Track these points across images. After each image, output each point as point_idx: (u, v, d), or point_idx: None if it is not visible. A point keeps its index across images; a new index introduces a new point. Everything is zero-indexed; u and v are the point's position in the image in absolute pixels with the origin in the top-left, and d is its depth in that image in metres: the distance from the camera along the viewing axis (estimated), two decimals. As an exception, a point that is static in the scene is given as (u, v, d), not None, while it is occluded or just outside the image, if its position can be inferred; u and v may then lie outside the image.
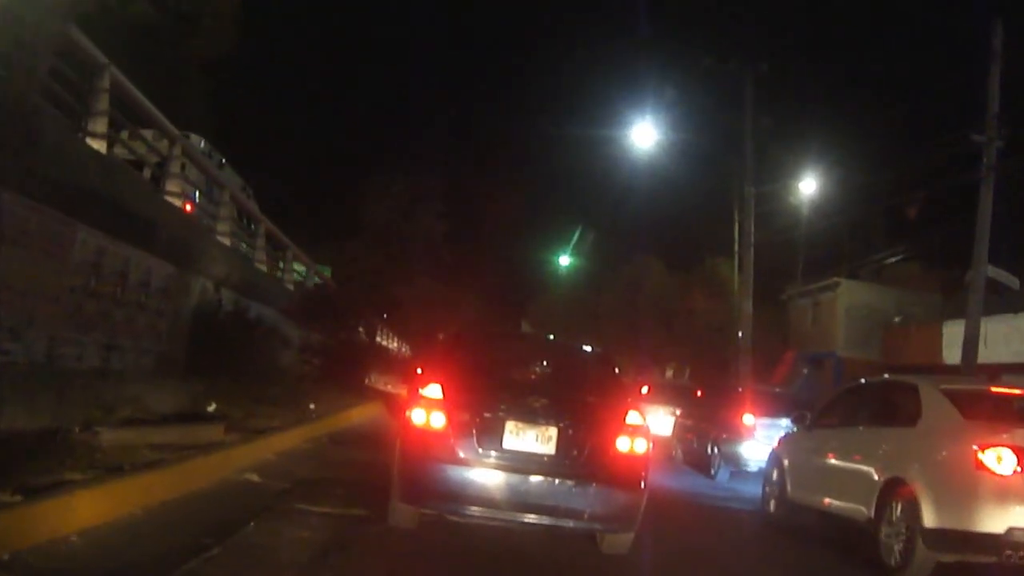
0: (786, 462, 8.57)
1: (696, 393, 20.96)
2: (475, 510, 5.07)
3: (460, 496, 5.05)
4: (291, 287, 15.39)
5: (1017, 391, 6.81)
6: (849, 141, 31.35)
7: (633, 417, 5.34)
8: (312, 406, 12.58)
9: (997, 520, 5.38)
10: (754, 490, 10.24)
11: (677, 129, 23.02)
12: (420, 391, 5.28)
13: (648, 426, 5.48)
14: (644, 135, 22.50)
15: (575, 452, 5.13)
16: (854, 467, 6.98)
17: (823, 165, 24.58)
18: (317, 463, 8.35)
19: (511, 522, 5.15)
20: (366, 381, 18.40)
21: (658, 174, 28.83)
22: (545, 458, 5.11)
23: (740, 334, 21.73)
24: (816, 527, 7.85)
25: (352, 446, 10.34)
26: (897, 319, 29.46)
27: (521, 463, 5.07)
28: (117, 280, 7.36)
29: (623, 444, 5.22)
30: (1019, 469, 5.42)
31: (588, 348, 7.15)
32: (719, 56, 22.17)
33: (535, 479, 5.05)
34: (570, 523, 5.12)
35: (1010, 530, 5.34)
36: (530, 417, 5.15)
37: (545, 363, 6.52)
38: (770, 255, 22.56)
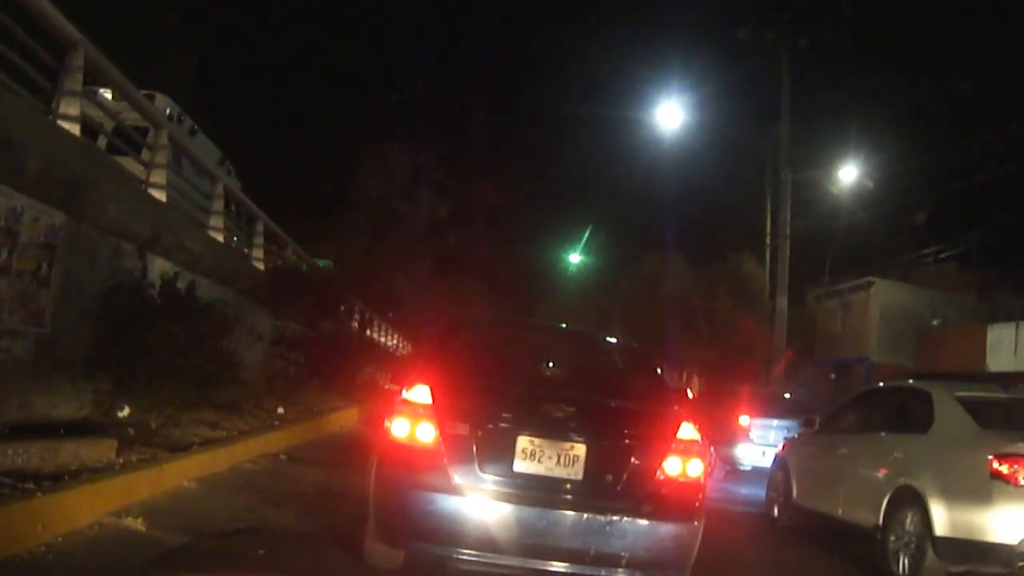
0: (792, 466, 8.42)
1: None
2: (474, 554, 3.96)
3: (455, 535, 3.94)
4: (261, 266, 13.06)
5: None
6: (890, 127, 29.12)
7: (686, 431, 4.27)
8: (281, 410, 10.52)
9: (1011, 530, 5.32)
10: (747, 491, 10.21)
11: (702, 113, 20.91)
12: (404, 394, 4.16)
13: (704, 443, 4.43)
14: (668, 116, 20.32)
15: (610, 477, 4.09)
16: (863, 473, 6.88)
17: (859, 154, 22.25)
18: (255, 494, 5.99)
19: (523, 570, 4.01)
20: (356, 380, 16.19)
21: (678, 164, 26.80)
22: (569, 485, 4.06)
23: (774, 334, 19.96)
24: (822, 534, 7.56)
25: (318, 465, 8.03)
26: (935, 322, 27.42)
27: (537, 492, 4.00)
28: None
29: (673, 466, 4.17)
30: None
31: (622, 342, 5.99)
32: (754, 29, 20.14)
33: (556, 513, 3.96)
34: (602, 572, 4.02)
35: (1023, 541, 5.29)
36: (549, 430, 4.08)
37: (567, 361, 5.40)
38: (792, 252, 20.35)
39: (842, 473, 7.33)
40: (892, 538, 6.09)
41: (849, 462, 7.30)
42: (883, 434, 7.05)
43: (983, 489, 5.45)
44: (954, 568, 5.63)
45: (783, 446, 9.32)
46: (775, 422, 12.05)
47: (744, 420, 12.49)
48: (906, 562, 5.89)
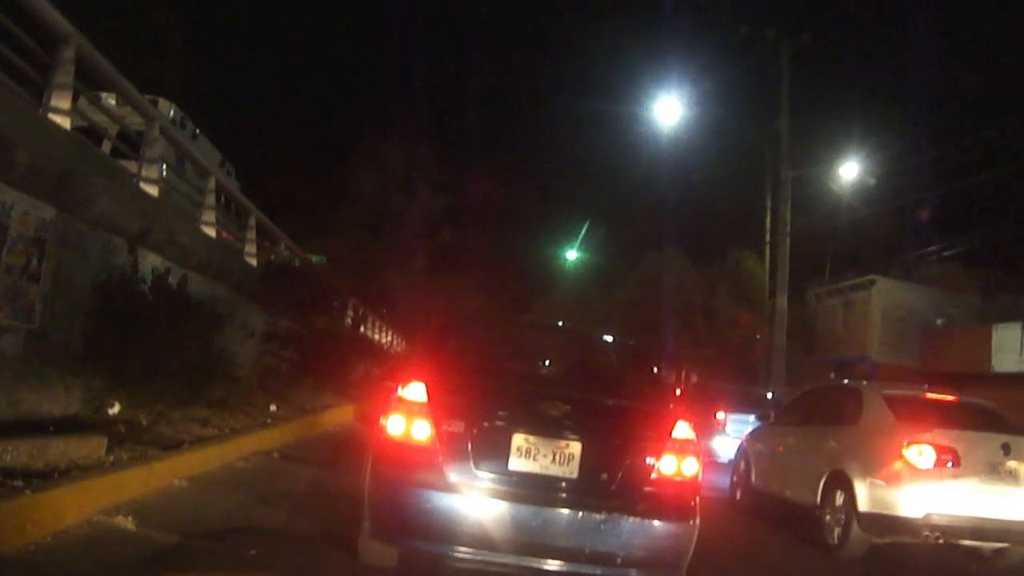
0: (751, 454, 9.43)
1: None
2: (469, 552, 3.91)
3: (449, 533, 3.90)
4: (253, 262, 12.93)
5: (947, 397, 7.63)
6: (893, 124, 28.93)
7: (681, 429, 4.25)
8: (273, 407, 10.40)
9: (917, 506, 6.26)
10: (719, 480, 10.90)
11: (701, 109, 20.73)
12: (399, 392, 4.13)
13: (698, 442, 4.36)
14: (667, 112, 20.14)
15: (605, 476, 4.07)
16: (806, 460, 7.83)
17: (861, 151, 22.02)
18: (247, 493, 5.90)
19: (518, 568, 3.97)
20: (350, 377, 16.08)
21: (678, 160, 26.70)
22: (564, 483, 4.04)
23: (774, 332, 19.79)
24: (774, 513, 8.34)
25: (311, 463, 7.94)
26: (939, 321, 27.17)
27: (532, 490, 3.98)
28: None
29: (668, 465, 4.15)
30: (941, 463, 6.32)
31: (619, 340, 5.96)
32: (755, 25, 20.03)
33: (551, 512, 3.94)
34: (597, 571, 3.98)
35: (927, 515, 6.22)
36: (545, 428, 4.06)
37: (563, 358, 5.38)
38: (792, 250, 20.21)
39: (790, 460, 8.39)
40: (827, 515, 7.03)
41: (796, 451, 8.36)
42: (823, 426, 8.00)
43: (895, 472, 6.42)
44: (876, 539, 6.60)
45: (745, 437, 10.30)
46: (751, 417, 12.61)
47: (720, 415, 13.58)
48: (838, 534, 6.83)
